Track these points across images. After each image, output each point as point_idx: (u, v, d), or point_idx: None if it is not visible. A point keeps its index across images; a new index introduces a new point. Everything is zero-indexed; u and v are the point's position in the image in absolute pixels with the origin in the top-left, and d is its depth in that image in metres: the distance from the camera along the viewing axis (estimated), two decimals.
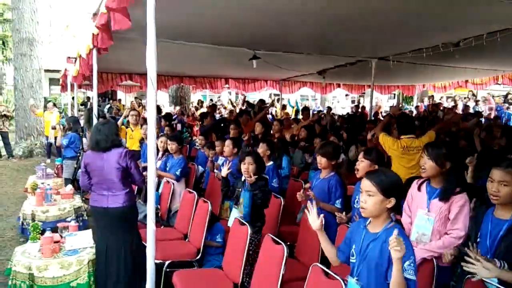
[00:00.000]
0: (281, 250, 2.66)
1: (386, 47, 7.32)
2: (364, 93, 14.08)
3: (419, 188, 2.63)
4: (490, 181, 2.15)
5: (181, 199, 4.62)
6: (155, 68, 2.69)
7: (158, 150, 5.19)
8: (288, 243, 3.54)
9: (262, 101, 9.94)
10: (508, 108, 12.99)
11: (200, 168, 6.04)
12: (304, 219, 3.44)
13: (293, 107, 16.44)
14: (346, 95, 14.81)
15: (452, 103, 13.89)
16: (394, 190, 1.96)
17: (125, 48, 6.41)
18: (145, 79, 3.01)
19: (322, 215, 2.19)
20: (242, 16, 5.07)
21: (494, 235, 2.16)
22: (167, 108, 13.92)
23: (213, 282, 3.08)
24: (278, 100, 13.87)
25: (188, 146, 8.18)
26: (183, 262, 3.60)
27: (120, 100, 19.25)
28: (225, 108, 15.92)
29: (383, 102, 18.05)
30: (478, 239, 2.23)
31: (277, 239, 2.82)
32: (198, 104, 15.66)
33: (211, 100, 20.01)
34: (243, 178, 3.55)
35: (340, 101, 20.03)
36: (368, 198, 1.97)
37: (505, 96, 14.86)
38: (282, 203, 4.04)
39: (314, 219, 2.18)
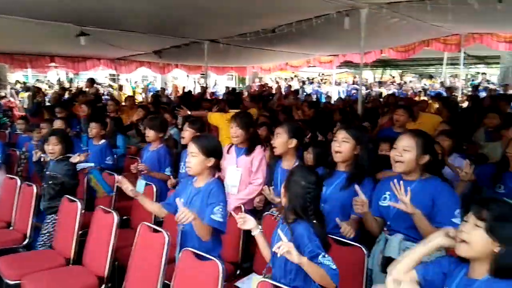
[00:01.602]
0: (111, 218, 2.82)
1: (216, 30, 7.87)
2: (202, 73, 14.63)
3: (228, 151, 3.14)
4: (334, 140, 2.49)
5: (1, 186, 4.24)
6: None
7: None
8: (125, 217, 3.72)
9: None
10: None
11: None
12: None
13: (134, 88, 16.01)
14: (188, 75, 15.17)
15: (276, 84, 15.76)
16: (214, 151, 2.34)
17: None
18: None
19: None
20: None
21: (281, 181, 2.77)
22: None
23: (42, 260, 3.04)
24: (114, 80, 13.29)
25: (9, 131, 7.29)
26: (9, 249, 3.39)
27: None
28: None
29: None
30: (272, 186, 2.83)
31: (108, 209, 2.97)
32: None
33: (38, 80, 17.75)
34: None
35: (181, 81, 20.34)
36: (192, 158, 2.31)
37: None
38: (116, 179, 4.12)
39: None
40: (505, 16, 6.07)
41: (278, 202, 2.44)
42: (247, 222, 2.06)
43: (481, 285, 1.40)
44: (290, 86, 14.10)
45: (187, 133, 3.41)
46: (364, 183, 2.30)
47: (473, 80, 17.36)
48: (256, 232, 2.07)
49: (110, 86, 16.40)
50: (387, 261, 2.05)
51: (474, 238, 1.40)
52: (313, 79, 17.91)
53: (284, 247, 1.70)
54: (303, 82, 17.84)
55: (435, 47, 9.72)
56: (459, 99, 8.95)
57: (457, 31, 8.95)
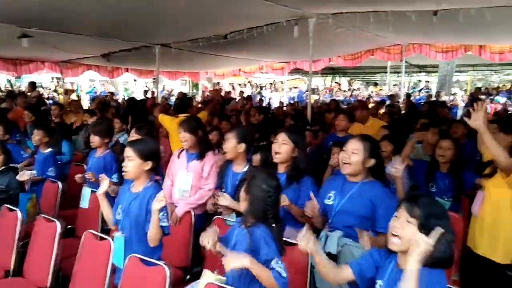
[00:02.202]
0: (54, 227, 2.73)
1: (167, 34, 7.79)
2: (154, 78, 14.38)
3: (178, 156, 3.15)
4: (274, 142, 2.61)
5: None
6: None
7: None
8: (69, 226, 3.59)
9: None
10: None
11: None
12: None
13: (79, 92, 15.38)
14: (135, 80, 14.78)
15: (231, 88, 15.85)
16: (151, 155, 2.34)
17: None
18: None
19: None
20: None
21: (233, 185, 2.82)
22: None
23: None
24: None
25: None
26: None
27: None
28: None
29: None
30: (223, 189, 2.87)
31: (51, 218, 2.86)
32: None
33: None
34: None
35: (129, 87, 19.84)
36: (128, 162, 2.30)
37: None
38: (61, 187, 3.96)
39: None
40: (440, 28, 6.55)
41: (234, 208, 2.48)
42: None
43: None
44: (242, 92, 14.23)
45: (134, 139, 3.35)
46: (302, 183, 2.41)
47: (414, 88, 18.48)
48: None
49: (55, 90, 15.71)
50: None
51: (406, 234, 1.52)
52: (265, 85, 18.17)
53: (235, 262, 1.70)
54: (261, 88, 18.08)
55: (379, 56, 10.26)
56: (401, 105, 9.48)
57: (399, 41, 9.50)
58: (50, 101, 11.03)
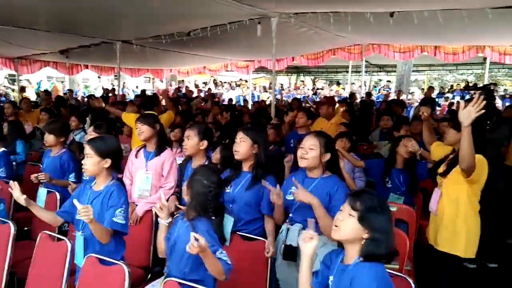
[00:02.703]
0: (7, 229, 2.63)
1: (128, 31, 7.63)
2: (115, 75, 14.02)
3: (136, 155, 3.11)
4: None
5: None
6: None
7: None
8: (26, 228, 3.47)
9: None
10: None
11: None
12: None
13: (38, 90, 14.74)
14: (99, 77, 14.33)
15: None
16: (110, 152, 2.31)
17: None
18: None
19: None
20: None
21: None
22: None
23: None
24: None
25: None
26: None
27: None
28: None
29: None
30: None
31: (4, 220, 2.75)
32: None
33: None
34: None
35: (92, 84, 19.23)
36: (87, 159, 2.27)
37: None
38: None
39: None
40: (397, 29, 6.82)
41: None
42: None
43: (352, 268, 1.59)
44: (210, 90, 14.16)
45: (91, 136, 3.28)
46: (266, 180, 2.46)
47: (375, 87, 19.09)
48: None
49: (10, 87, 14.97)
50: (287, 249, 2.27)
51: (347, 225, 1.60)
52: (230, 83, 18.17)
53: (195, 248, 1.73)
54: (230, 85, 18.05)
55: (340, 56, 10.51)
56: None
57: (359, 42, 9.79)
58: (3, 99, 10.48)
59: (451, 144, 2.73)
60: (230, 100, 12.47)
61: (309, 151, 2.28)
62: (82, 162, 2.33)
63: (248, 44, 8.54)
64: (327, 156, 2.30)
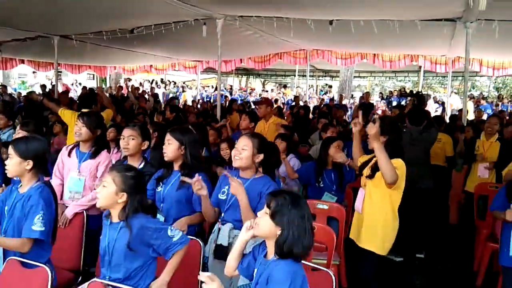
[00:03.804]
0: None
1: (67, 25, 7.29)
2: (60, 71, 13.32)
3: (69, 154, 3.00)
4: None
5: None
6: None
7: None
8: None
9: None
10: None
11: None
12: None
13: None
14: (34, 72, 13.48)
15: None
16: (32, 154, 2.21)
17: None
18: None
19: None
20: None
21: None
22: None
23: None
24: None
25: None
26: None
27: None
28: None
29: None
30: None
31: None
32: None
33: None
34: None
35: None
36: (9, 160, 2.18)
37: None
38: None
39: None
40: (337, 36, 7.13)
41: None
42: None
43: (271, 264, 1.66)
44: (152, 89, 13.88)
45: (20, 136, 3.11)
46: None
47: (321, 91, 19.74)
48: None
49: None
50: (218, 248, 2.30)
51: (262, 223, 1.67)
52: (177, 83, 17.91)
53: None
54: (183, 84, 17.72)
55: (286, 60, 10.80)
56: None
57: (304, 47, 10.10)
58: None
59: (372, 148, 2.85)
60: (173, 99, 12.26)
61: (242, 151, 2.32)
62: (6, 162, 2.22)
63: (194, 45, 8.52)
64: (260, 157, 2.34)
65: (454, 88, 16.27)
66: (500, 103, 13.26)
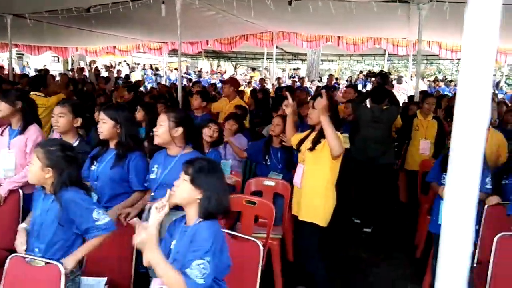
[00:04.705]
0: None
1: (21, 3, 6.97)
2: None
3: (2, 133, 2.94)
4: None
5: None
6: None
7: None
8: None
9: None
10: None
11: None
12: None
13: None
14: None
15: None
16: None
17: None
18: None
19: None
20: None
21: None
22: None
23: None
24: None
25: None
26: None
27: None
28: None
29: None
30: None
31: None
32: None
33: None
34: None
35: None
36: None
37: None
38: None
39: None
40: (297, 17, 7.13)
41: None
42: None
43: (193, 228, 1.72)
44: (119, 71, 13.56)
45: None
46: (131, 157, 2.48)
47: (293, 75, 19.79)
48: None
49: None
50: None
51: (181, 189, 1.72)
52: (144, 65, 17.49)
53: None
54: (152, 68, 17.31)
55: (253, 42, 10.74)
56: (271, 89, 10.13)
57: (271, 29, 10.06)
58: None
59: (314, 123, 2.90)
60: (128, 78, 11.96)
61: (159, 127, 2.32)
62: None
63: (155, 25, 8.33)
64: (179, 130, 2.32)
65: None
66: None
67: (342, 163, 2.87)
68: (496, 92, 11.80)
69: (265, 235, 2.94)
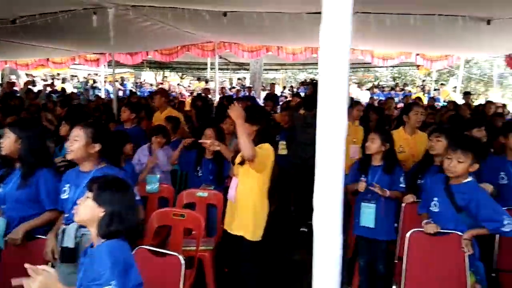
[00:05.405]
0: None
1: None
2: None
3: None
4: None
5: None
6: None
7: None
8: None
9: None
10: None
11: None
12: None
13: None
14: None
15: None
16: None
17: None
18: None
19: None
20: None
21: None
22: None
23: None
24: None
25: None
26: None
27: None
28: None
29: None
30: None
31: None
32: None
33: None
34: None
35: None
36: None
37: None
38: None
39: None
40: (233, 28, 7.20)
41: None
42: None
43: (95, 249, 1.64)
44: (52, 84, 12.91)
45: None
46: (39, 176, 2.36)
47: (237, 85, 19.94)
48: None
49: None
50: (64, 251, 2.13)
51: (83, 206, 1.66)
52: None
53: None
54: (121, 80, 16.62)
55: (194, 53, 10.67)
56: (214, 99, 10.15)
57: (211, 39, 10.06)
58: None
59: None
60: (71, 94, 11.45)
61: (73, 142, 2.21)
62: None
63: (88, 36, 8.03)
64: (96, 146, 2.23)
65: (355, 79, 17.58)
66: (393, 91, 14.53)
67: (279, 171, 2.90)
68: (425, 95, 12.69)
69: (193, 248, 2.92)
